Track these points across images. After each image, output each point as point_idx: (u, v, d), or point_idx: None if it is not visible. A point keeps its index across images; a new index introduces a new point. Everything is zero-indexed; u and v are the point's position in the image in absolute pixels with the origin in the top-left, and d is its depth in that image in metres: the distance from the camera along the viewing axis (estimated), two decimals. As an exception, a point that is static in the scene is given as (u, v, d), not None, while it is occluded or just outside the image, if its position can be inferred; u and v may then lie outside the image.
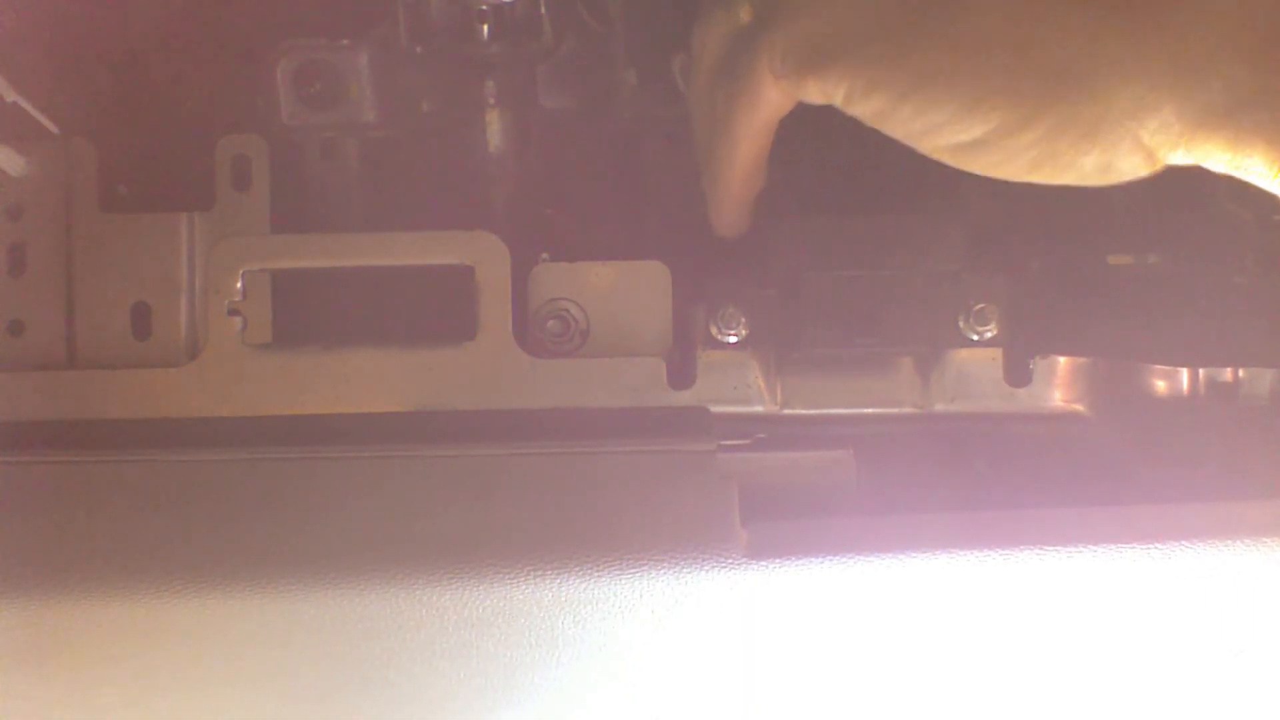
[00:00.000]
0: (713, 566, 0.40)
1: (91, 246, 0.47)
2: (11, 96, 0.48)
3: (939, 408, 0.46)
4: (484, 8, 0.47)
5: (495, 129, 0.51)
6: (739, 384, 0.46)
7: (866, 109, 0.37)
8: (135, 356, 0.47)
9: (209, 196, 0.48)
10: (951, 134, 0.35)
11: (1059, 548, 0.41)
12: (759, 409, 0.46)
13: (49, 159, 0.48)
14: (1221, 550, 0.41)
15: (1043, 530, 0.41)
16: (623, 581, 0.40)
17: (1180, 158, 0.34)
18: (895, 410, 0.47)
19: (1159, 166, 0.34)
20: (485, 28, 0.48)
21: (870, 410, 0.46)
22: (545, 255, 0.46)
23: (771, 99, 0.39)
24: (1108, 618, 0.42)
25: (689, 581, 0.40)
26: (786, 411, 0.46)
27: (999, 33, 0.34)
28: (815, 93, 0.38)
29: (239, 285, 0.45)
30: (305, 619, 0.41)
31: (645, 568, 0.40)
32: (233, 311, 0.45)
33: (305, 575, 0.41)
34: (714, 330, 0.45)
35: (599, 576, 0.40)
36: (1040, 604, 0.41)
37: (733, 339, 0.45)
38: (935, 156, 0.37)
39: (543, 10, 0.48)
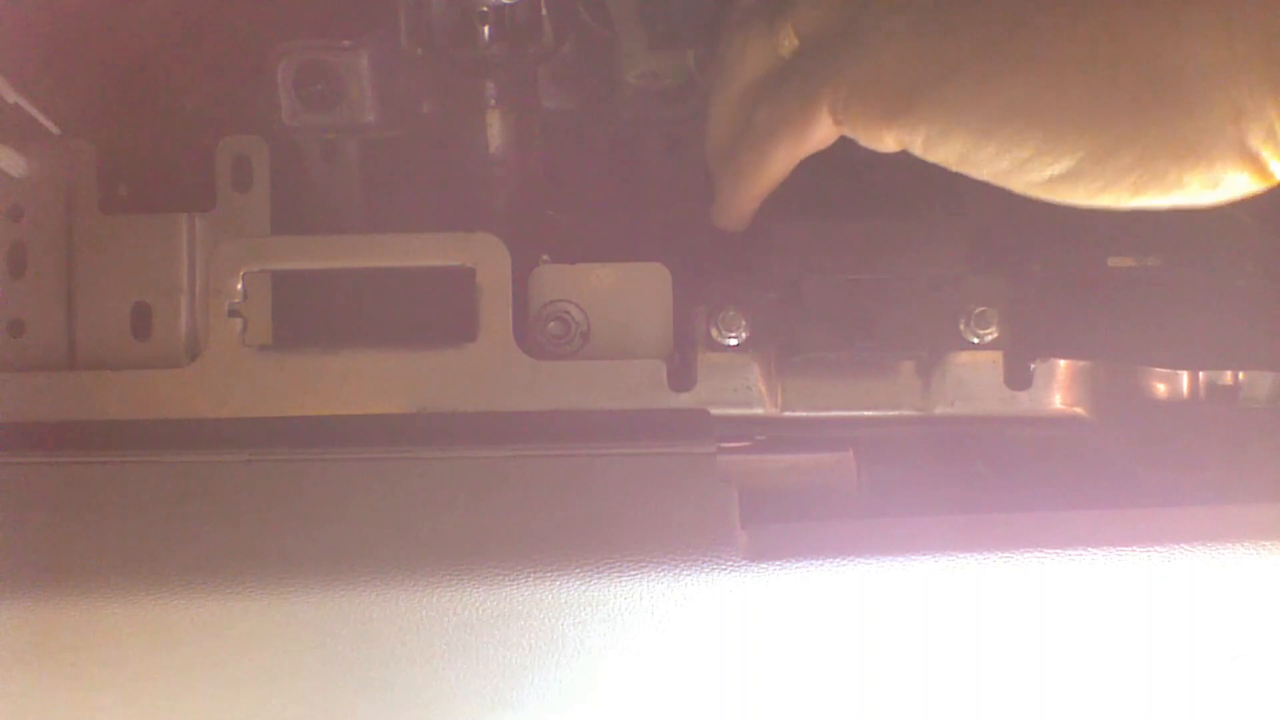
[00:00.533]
0: (713, 569, 0.40)
1: (91, 247, 0.47)
2: (12, 97, 0.48)
3: (939, 410, 0.46)
4: (484, 9, 0.47)
5: (495, 130, 0.51)
6: (739, 386, 0.46)
7: (948, 153, 0.35)
8: (135, 357, 0.47)
9: (209, 197, 0.48)
10: (1042, 168, 0.33)
11: (1059, 551, 0.41)
12: (759, 411, 0.46)
13: (49, 159, 0.48)
14: (1221, 553, 0.41)
15: (1043, 533, 0.41)
16: (623, 584, 0.40)
17: None
18: (896, 413, 0.46)
19: (1273, 178, 0.32)
20: (486, 29, 0.48)
21: (871, 413, 0.46)
22: (546, 257, 0.46)
23: (821, 135, 0.38)
24: (1107, 621, 0.42)
25: (689, 584, 0.40)
26: (787, 414, 0.46)
27: (1077, 53, 0.32)
28: (891, 142, 0.36)
29: (239, 286, 0.45)
30: (305, 620, 0.41)
31: (645, 570, 0.40)
32: (233, 313, 0.45)
33: (305, 576, 0.41)
34: (715, 332, 0.45)
35: (599, 579, 0.40)
36: (1040, 607, 0.41)
37: (733, 341, 0.45)
38: (1033, 195, 0.35)
39: (543, 11, 0.48)
